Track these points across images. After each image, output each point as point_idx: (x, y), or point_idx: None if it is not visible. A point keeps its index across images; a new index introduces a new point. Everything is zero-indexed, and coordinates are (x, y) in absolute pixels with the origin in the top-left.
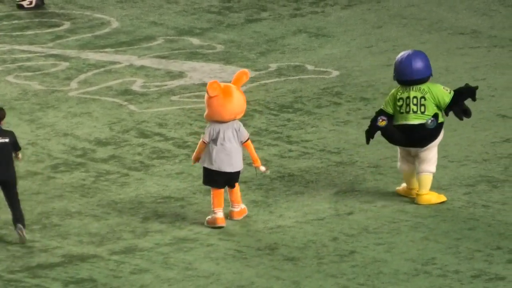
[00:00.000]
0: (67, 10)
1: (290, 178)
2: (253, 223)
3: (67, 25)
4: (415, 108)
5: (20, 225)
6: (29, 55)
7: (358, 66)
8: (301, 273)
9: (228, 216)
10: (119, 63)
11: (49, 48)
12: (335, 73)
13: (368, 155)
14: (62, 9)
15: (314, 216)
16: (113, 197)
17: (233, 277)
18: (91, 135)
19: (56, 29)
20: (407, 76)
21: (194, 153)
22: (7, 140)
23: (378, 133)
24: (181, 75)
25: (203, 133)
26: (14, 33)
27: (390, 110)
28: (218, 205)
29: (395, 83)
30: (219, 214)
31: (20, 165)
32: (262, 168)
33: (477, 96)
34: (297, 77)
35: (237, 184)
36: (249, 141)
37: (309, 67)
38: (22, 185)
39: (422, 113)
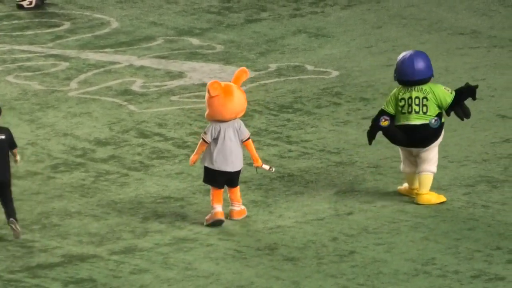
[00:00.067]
0: (67, 10)
1: (290, 178)
2: (252, 223)
3: (67, 25)
4: (417, 108)
5: (12, 219)
6: (29, 55)
7: (358, 66)
8: (301, 273)
9: (228, 215)
10: (119, 63)
11: (49, 48)
12: (335, 73)
13: (368, 155)
14: (62, 9)
15: (313, 216)
16: (112, 197)
17: (233, 277)
18: (91, 135)
19: (56, 29)
20: (409, 77)
21: (194, 154)
22: (3, 137)
23: (379, 133)
24: (180, 75)
25: (204, 132)
26: (14, 33)
27: (391, 110)
28: (217, 201)
29: (395, 83)
30: (218, 208)
31: (20, 165)
32: (266, 167)
33: (477, 96)
34: (296, 77)
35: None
36: (249, 140)
37: (309, 67)
38: (21, 185)
39: (424, 113)
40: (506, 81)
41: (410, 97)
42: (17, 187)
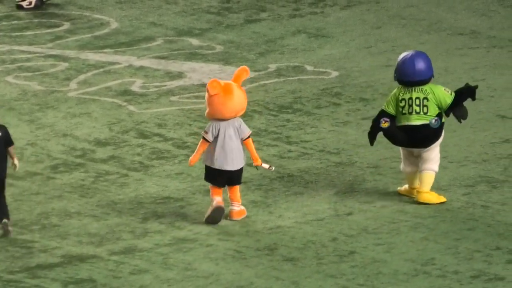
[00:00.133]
0: (67, 11)
1: (290, 178)
2: (252, 223)
3: (66, 25)
4: (417, 109)
5: (6, 221)
6: (29, 56)
7: (357, 66)
8: (301, 274)
9: (228, 215)
10: (119, 63)
11: (49, 48)
12: (334, 73)
13: (368, 156)
14: (61, 10)
15: (313, 217)
16: (112, 197)
17: (233, 277)
18: (90, 135)
19: (56, 29)
20: (409, 77)
21: (194, 155)
22: None
23: (380, 133)
24: (180, 75)
25: (205, 131)
26: (13, 34)
27: (391, 110)
28: (216, 194)
29: (394, 83)
30: (218, 198)
31: (20, 166)
32: (265, 165)
33: (476, 97)
34: (296, 78)
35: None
36: (249, 139)
37: (308, 68)
38: (21, 186)
39: (425, 113)
40: (506, 82)
41: (411, 98)
42: (16, 188)
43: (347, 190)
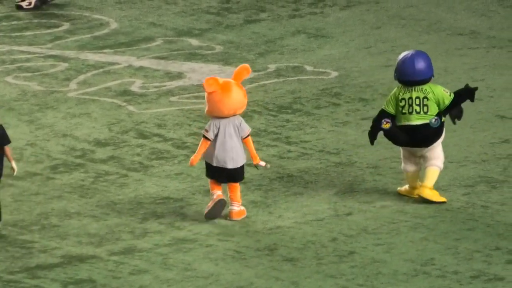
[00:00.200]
0: (66, 11)
1: (289, 178)
2: (252, 223)
3: (66, 26)
4: (418, 108)
5: None
6: (28, 56)
7: (357, 67)
8: (300, 274)
9: (227, 216)
10: (118, 64)
11: (48, 49)
12: (334, 74)
13: (367, 156)
14: (61, 10)
15: (313, 217)
16: (112, 197)
17: (232, 277)
18: (90, 135)
19: (55, 30)
20: (409, 77)
21: (195, 155)
22: None
23: (380, 134)
24: (180, 76)
25: (205, 130)
26: (13, 34)
27: (391, 110)
28: (217, 188)
29: (394, 83)
30: (218, 192)
31: (20, 166)
32: (262, 163)
33: (476, 97)
34: (296, 78)
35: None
36: (249, 138)
37: (308, 68)
38: (21, 186)
39: (425, 113)
40: (505, 82)
41: (411, 97)
42: (16, 188)
43: (347, 190)
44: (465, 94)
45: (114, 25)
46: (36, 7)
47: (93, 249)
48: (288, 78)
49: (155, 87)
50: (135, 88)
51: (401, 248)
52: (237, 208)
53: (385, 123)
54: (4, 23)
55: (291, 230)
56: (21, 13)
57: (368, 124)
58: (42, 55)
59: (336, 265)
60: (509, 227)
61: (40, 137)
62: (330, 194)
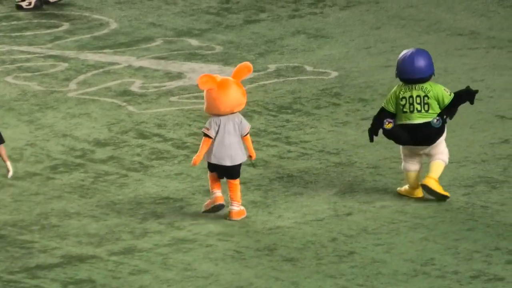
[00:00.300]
0: (66, 11)
1: (289, 178)
2: (252, 223)
3: (66, 26)
4: (419, 107)
5: None
6: (28, 56)
7: (357, 67)
8: (300, 274)
9: (227, 215)
10: (118, 64)
11: (48, 49)
12: (334, 74)
13: (367, 156)
14: (60, 10)
15: (313, 217)
16: (112, 198)
17: (232, 277)
18: (90, 136)
19: (55, 30)
20: (409, 75)
21: (198, 154)
22: None
23: (380, 133)
24: (180, 76)
25: (206, 128)
26: (13, 34)
27: (391, 109)
28: (216, 187)
29: (394, 83)
30: (218, 193)
31: (19, 166)
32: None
33: (475, 98)
34: (295, 78)
35: (238, 180)
36: (248, 135)
37: (308, 68)
38: (20, 186)
39: (426, 111)
40: (505, 82)
41: (411, 96)
42: (16, 188)
43: (347, 190)
44: (465, 95)
45: (114, 25)
46: (36, 7)
47: (93, 249)
48: (288, 78)
49: (155, 87)
50: (135, 88)
51: (401, 248)
52: (236, 208)
53: (387, 123)
54: (4, 23)
55: (291, 230)
56: (21, 13)
57: (368, 124)
58: (42, 55)
59: (336, 265)
60: (509, 227)
61: (40, 137)
62: (330, 194)
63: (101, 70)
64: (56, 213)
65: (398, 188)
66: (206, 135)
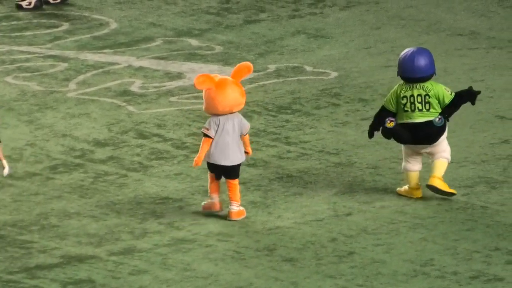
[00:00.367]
0: (66, 11)
1: (289, 179)
2: (251, 224)
3: (65, 26)
4: (420, 106)
5: None
6: (28, 56)
7: (357, 67)
8: (300, 274)
9: (227, 216)
10: (118, 64)
11: (48, 49)
12: (334, 74)
13: (367, 156)
14: (60, 10)
15: (312, 217)
16: (111, 198)
17: (232, 278)
18: (89, 136)
19: (55, 30)
20: (410, 74)
21: (199, 155)
22: None
23: (379, 134)
24: (179, 76)
25: (206, 128)
26: (12, 34)
27: (392, 108)
28: (214, 191)
29: (394, 84)
30: (216, 199)
31: (19, 166)
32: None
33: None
34: (295, 78)
35: (237, 181)
36: (247, 134)
37: (308, 68)
38: (20, 186)
39: (428, 110)
40: (505, 82)
41: (412, 95)
42: (16, 188)
43: (346, 190)
44: (466, 95)
45: (113, 25)
46: (36, 7)
47: (92, 249)
48: (287, 79)
49: (155, 87)
50: (134, 88)
51: (401, 249)
52: (236, 208)
53: (389, 122)
54: (3, 23)
55: (290, 231)
56: (20, 13)
57: (368, 125)
58: (41, 55)
59: (335, 265)
60: (508, 228)
61: (40, 137)
62: (330, 194)
63: (100, 70)
64: (55, 213)
65: (398, 189)
66: (206, 135)
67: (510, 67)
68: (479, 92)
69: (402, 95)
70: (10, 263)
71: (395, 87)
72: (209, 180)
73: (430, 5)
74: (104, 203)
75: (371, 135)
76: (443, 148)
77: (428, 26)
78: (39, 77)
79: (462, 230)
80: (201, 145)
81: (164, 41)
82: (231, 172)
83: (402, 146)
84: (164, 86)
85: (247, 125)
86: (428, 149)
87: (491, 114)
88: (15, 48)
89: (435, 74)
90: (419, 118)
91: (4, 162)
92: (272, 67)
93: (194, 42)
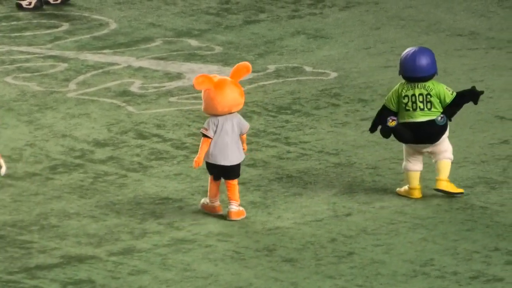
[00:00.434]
0: (66, 12)
1: (289, 179)
2: (251, 224)
3: (65, 26)
4: (421, 105)
5: None
6: (28, 56)
7: (356, 67)
8: (299, 274)
9: (226, 215)
10: (118, 64)
11: (48, 49)
12: (333, 74)
13: (367, 157)
14: (60, 11)
15: (312, 217)
16: (111, 198)
17: (231, 278)
18: (89, 136)
19: (55, 30)
20: (411, 73)
21: (199, 155)
22: None
23: (378, 134)
24: (179, 76)
25: (205, 128)
26: (12, 34)
27: (392, 107)
28: (214, 195)
29: (393, 84)
30: (217, 203)
31: (19, 166)
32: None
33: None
34: (295, 79)
35: (236, 181)
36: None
37: (307, 69)
38: (20, 186)
39: (429, 109)
40: (504, 83)
41: (414, 94)
42: (15, 188)
43: (346, 191)
44: (468, 95)
45: (113, 26)
46: (36, 8)
47: (92, 249)
48: (287, 79)
49: (155, 87)
50: (134, 88)
51: (400, 249)
52: (235, 207)
53: (391, 120)
54: (3, 24)
55: (290, 231)
56: (20, 14)
57: (367, 125)
58: (41, 55)
59: (335, 265)
60: (508, 228)
61: (39, 138)
62: (329, 194)
63: (100, 70)
64: (55, 214)
65: (398, 189)
66: (205, 136)
67: (510, 68)
68: (482, 92)
69: (403, 94)
70: (10, 263)
71: (396, 86)
72: (209, 184)
73: (430, 5)
74: (104, 203)
75: (373, 130)
76: (444, 147)
77: (428, 27)
78: (39, 77)
79: (462, 230)
80: (200, 146)
81: (163, 41)
82: (231, 172)
83: (403, 146)
84: (164, 86)
85: (246, 125)
86: (430, 148)
87: (491, 115)
88: (15, 48)
89: (437, 74)
90: (421, 117)
91: (1, 161)
92: (271, 68)
93: (193, 42)
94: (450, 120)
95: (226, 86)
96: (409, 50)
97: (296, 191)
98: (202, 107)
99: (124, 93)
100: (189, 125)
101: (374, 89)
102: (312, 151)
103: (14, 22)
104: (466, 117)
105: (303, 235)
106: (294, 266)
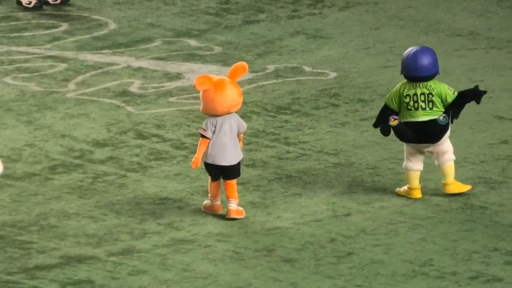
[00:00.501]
0: (65, 12)
1: (288, 179)
2: (250, 224)
3: (64, 26)
4: (423, 104)
5: None
6: (27, 57)
7: (356, 67)
8: (299, 275)
9: (226, 214)
10: (117, 64)
11: (47, 49)
12: (333, 74)
13: (366, 157)
14: (59, 11)
15: (311, 218)
16: (110, 198)
17: (231, 278)
18: (88, 136)
19: (54, 30)
20: (412, 72)
21: (197, 156)
22: None
23: (378, 134)
24: (178, 76)
25: (203, 129)
26: (11, 34)
27: (394, 106)
28: (214, 196)
29: (393, 84)
30: (217, 202)
31: (18, 166)
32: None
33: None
34: (294, 79)
35: (234, 180)
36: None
37: (307, 69)
38: (19, 186)
39: (431, 109)
40: (504, 83)
41: (415, 94)
42: (15, 188)
43: (345, 191)
44: (470, 95)
45: (112, 26)
46: (35, 8)
47: (91, 249)
48: (286, 79)
49: (154, 87)
50: (133, 88)
51: (400, 249)
52: (234, 206)
53: (392, 119)
54: (2, 24)
55: (289, 231)
56: (19, 14)
57: (367, 125)
58: (40, 55)
59: (334, 265)
60: (507, 228)
61: (39, 138)
62: (329, 194)
63: (100, 70)
64: (55, 214)
65: (397, 189)
66: (203, 136)
67: (509, 67)
68: (485, 92)
69: (405, 94)
70: (9, 264)
71: (398, 85)
72: (209, 184)
73: (429, 5)
74: (103, 203)
75: (376, 126)
76: (446, 147)
77: (427, 27)
78: (38, 77)
79: (461, 230)
80: (198, 146)
81: (163, 41)
82: (230, 172)
83: (404, 145)
84: (163, 86)
85: (244, 124)
86: (431, 148)
87: (490, 115)
88: (14, 48)
89: (439, 74)
90: (423, 116)
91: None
92: (271, 68)
93: (193, 42)
94: (455, 119)
95: (226, 86)
96: (410, 49)
97: (296, 191)
98: (200, 107)
99: (124, 93)
100: (188, 125)
101: (373, 89)
102: (312, 151)
103: (13, 22)
104: (466, 117)
105: (303, 235)
106: (293, 266)
